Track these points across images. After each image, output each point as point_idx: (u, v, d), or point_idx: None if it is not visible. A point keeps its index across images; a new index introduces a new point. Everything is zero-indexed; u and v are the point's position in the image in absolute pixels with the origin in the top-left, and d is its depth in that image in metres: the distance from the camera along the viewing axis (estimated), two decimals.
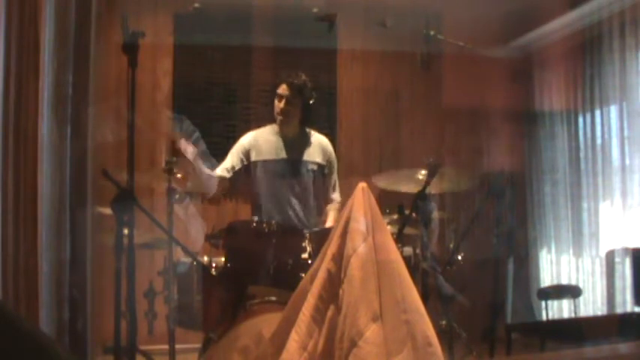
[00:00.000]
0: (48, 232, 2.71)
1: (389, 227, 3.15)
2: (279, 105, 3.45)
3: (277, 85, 3.48)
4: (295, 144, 3.52)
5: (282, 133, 3.52)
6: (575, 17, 4.63)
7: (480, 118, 4.92)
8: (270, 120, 3.59)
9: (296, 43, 4.83)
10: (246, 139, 3.55)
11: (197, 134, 3.99)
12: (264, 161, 3.48)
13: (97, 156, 3.42)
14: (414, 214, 2.91)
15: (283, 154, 3.49)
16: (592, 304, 4.59)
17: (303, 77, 3.47)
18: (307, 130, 3.56)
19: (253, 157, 3.50)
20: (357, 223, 1.96)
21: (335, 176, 3.62)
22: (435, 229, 3.38)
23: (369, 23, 4.73)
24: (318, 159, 3.55)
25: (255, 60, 4.95)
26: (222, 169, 3.45)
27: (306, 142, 3.54)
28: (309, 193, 3.51)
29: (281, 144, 3.50)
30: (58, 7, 2.89)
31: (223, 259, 2.97)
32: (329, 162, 3.58)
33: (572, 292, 4.41)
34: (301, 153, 3.51)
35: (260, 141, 3.52)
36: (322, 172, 3.55)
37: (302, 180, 3.48)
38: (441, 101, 4.89)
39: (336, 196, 3.59)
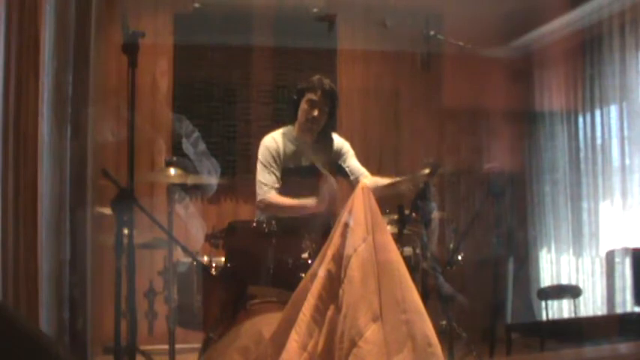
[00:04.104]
0: (48, 232, 2.71)
1: (389, 227, 3.14)
2: (310, 111, 3.29)
3: (308, 89, 3.31)
4: (315, 149, 3.39)
5: (303, 138, 3.37)
6: (575, 17, 4.63)
7: (480, 118, 4.93)
8: (277, 120, 3.53)
9: (296, 43, 4.84)
10: (270, 144, 3.35)
11: (197, 134, 3.98)
12: (290, 169, 3.33)
13: (97, 156, 3.42)
14: (414, 214, 2.91)
15: (306, 161, 3.35)
16: (592, 304, 4.59)
17: (330, 81, 3.36)
18: (328, 133, 3.43)
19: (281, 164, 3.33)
20: (357, 223, 1.96)
21: (354, 160, 3.43)
22: (435, 229, 3.37)
23: (369, 23, 4.74)
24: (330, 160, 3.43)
25: (255, 60, 4.96)
26: (272, 190, 3.26)
27: (325, 146, 3.41)
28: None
29: (302, 149, 3.36)
30: (58, 7, 2.89)
31: (223, 259, 2.96)
32: (338, 154, 3.43)
33: (572, 292, 4.41)
34: (320, 158, 3.36)
35: (283, 146, 3.35)
36: (336, 168, 3.35)
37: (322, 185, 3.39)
38: (441, 101, 4.89)
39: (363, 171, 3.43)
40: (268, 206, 3.27)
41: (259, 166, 3.33)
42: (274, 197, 3.27)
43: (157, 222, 2.74)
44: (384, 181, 3.25)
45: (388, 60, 5.09)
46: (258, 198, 3.29)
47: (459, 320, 3.46)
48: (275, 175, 3.30)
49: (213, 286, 2.96)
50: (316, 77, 3.34)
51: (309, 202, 3.17)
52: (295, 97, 3.37)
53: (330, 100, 3.33)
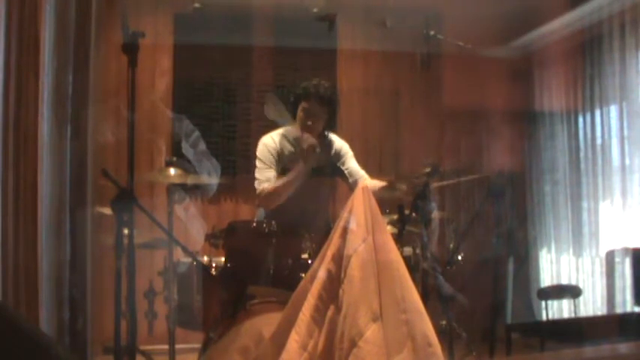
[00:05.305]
0: (48, 232, 2.72)
1: (389, 227, 3.14)
2: (305, 120, 3.25)
3: (304, 97, 3.26)
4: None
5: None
6: (575, 17, 4.63)
7: (480, 118, 4.92)
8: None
9: (296, 43, 4.83)
10: (269, 143, 3.34)
11: (197, 134, 3.98)
12: (288, 170, 3.27)
13: (97, 156, 3.42)
14: (414, 214, 2.91)
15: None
16: (592, 304, 4.59)
17: (328, 85, 3.29)
18: (326, 135, 3.38)
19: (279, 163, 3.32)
20: (357, 224, 1.96)
21: (354, 163, 3.41)
22: (435, 229, 3.36)
23: (369, 23, 4.74)
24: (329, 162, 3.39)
25: (255, 60, 4.96)
26: (264, 184, 3.25)
27: (324, 149, 3.34)
28: (325, 200, 3.39)
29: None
30: (58, 7, 2.89)
31: (223, 259, 2.97)
32: (338, 156, 3.40)
33: (572, 292, 4.41)
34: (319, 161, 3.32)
35: (281, 146, 3.34)
36: (336, 170, 3.34)
37: (321, 187, 3.34)
38: (441, 101, 4.89)
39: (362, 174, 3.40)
40: (268, 197, 3.22)
41: (258, 164, 3.31)
42: (270, 186, 3.23)
43: (157, 222, 2.74)
44: (382, 184, 3.24)
45: (388, 60, 5.09)
46: (258, 193, 3.26)
47: (459, 320, 3.46)
48: (273, 171, 3.28)
49: (213, 286, 2.96)
50: (313, 83, 3.27)
51: (296, 168, 3.16)
52: (292, 100, 3.35)
53: (327, 106, 3.27)
